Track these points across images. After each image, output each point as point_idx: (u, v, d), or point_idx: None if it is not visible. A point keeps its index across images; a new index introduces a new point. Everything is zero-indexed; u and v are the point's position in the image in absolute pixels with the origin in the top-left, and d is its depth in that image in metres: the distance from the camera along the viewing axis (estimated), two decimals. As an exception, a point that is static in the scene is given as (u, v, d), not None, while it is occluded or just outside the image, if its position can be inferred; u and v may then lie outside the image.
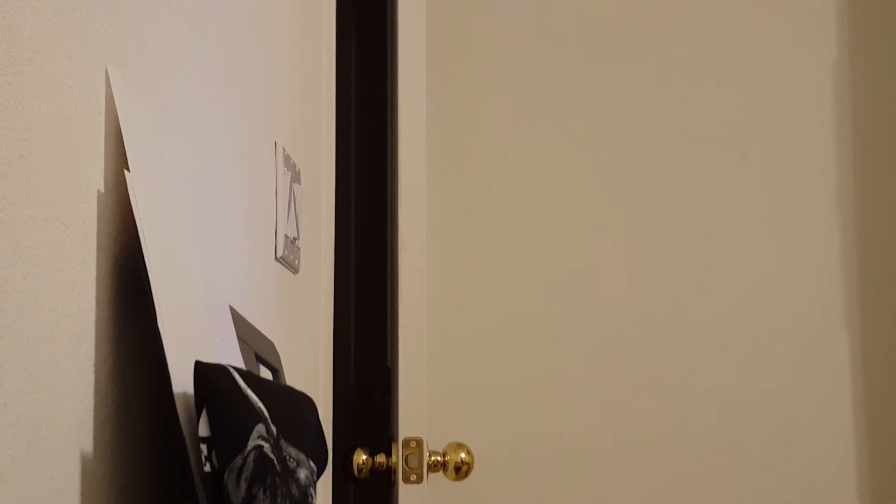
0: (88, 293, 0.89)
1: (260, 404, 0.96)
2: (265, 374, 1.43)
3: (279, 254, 1.68)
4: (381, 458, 2.15)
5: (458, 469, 2.14)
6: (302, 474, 0.99)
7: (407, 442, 2.07)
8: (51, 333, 0.82)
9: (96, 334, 0.90)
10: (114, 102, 0.95)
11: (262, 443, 0.93)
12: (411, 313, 2.11)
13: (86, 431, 0.88)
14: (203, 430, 0.90)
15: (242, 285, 1.45)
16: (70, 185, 0.86)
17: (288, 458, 0.97)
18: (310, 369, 2.00)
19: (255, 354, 1.37)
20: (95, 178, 0.92)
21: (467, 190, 2.46)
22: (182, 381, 0.93)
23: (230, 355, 1.17)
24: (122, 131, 0.95)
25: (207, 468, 0.90)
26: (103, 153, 0.94)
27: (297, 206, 1.81)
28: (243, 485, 0.90)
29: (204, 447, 0.91)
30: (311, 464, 1.03)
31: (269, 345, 1.52)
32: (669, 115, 2.49)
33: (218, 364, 0.94)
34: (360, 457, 2.16)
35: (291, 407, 1.05)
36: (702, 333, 2.43)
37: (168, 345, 0.92)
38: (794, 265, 2.44)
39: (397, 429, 2.08)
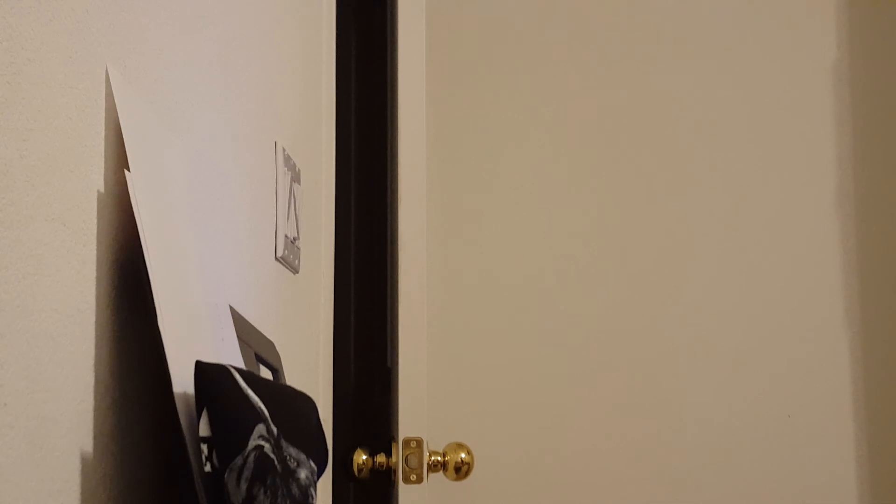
0: (88, 293, 0.89)
1: (260, 404, 0.95)
2: (265, 374, 1.43)
3: (279, 254, 1.68)
4: (381, 458, 2.15)
5: (458, 469, 2.14)
6: (302, 474, 0.99)
7: (407, 442, 2.07)
8: (51, 333, 0.82)
9: (96, 334, 0.90)
10: (114, 102, 0.95)
11: (263, 443, 0.93)
12: (411, 313, 2.12)
13: (86, 431, 0.88)
14: (203, 429, 0.90)
15: (242, 285, 1.45)
16: (70, 185, 0.86)
17: (288, 458, 0.97)
18: (310, 369, 2.00)
19: (255, 354, 1.37)
20: (95, 178, 0.92)
21: (467, 190, 2.46)
22: (182, 381, 0.93)
23: (230, 355, 1.17)
24: (122, 131, 0.95)
25: (208, 468, 0.90)
26: (103, 153, 0.94)
27: (297, 206, 1.81)
28: (244, 485, 0.90)
29: (204, 447, 0.91)
30: (312, 464, 1.03)
31: (269, 345, 1.52)
32: (669, 116, 2.49)
33: (218, 364, 0.94)
34: (360, 457, 2.16)
35: (292, 407, 1.05)
36: (702, 334, 2.43)
37: (168, 345, 0.92)
38: (794, 265, 2.44)
39: (397, 429, 2.09)
